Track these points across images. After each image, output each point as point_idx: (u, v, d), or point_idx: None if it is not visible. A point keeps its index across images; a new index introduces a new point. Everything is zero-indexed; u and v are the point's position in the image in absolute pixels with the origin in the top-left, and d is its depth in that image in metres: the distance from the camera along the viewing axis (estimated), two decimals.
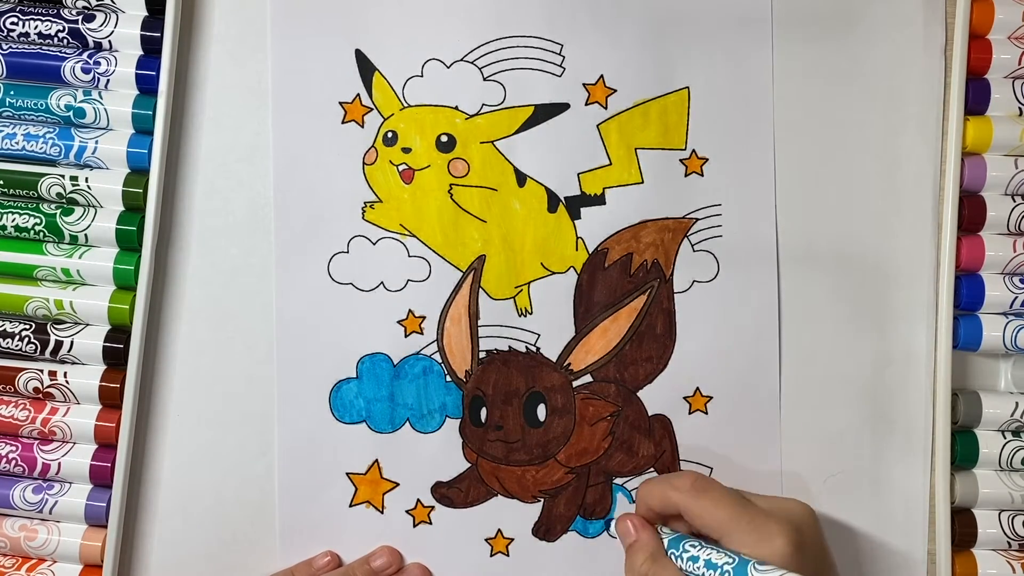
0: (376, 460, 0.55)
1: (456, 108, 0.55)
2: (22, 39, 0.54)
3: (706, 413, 0.56)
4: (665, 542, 0.49)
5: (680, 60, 0.56)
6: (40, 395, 0.54)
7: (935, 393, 0.55)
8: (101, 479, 0.54)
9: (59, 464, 0.54)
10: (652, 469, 0.56)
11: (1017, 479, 0.55)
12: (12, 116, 0.54)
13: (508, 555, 0.56)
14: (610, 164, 0.56)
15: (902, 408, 0.56)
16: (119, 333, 0.54)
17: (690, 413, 0.56)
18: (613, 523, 0.52)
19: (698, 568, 0.46)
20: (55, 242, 0.55)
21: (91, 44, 0.54)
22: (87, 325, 0.55)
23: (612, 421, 0.56)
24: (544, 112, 0.56)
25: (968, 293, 0.55)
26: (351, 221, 0.55)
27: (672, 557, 0.48)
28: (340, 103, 0.55)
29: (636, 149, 0.56)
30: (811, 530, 0.48)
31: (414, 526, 0.56)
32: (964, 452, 0.55)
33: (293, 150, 0.55)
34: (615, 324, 0.56)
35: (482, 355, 0.56)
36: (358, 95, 0.56)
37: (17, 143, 0.54)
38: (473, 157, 0.55)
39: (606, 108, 0.56)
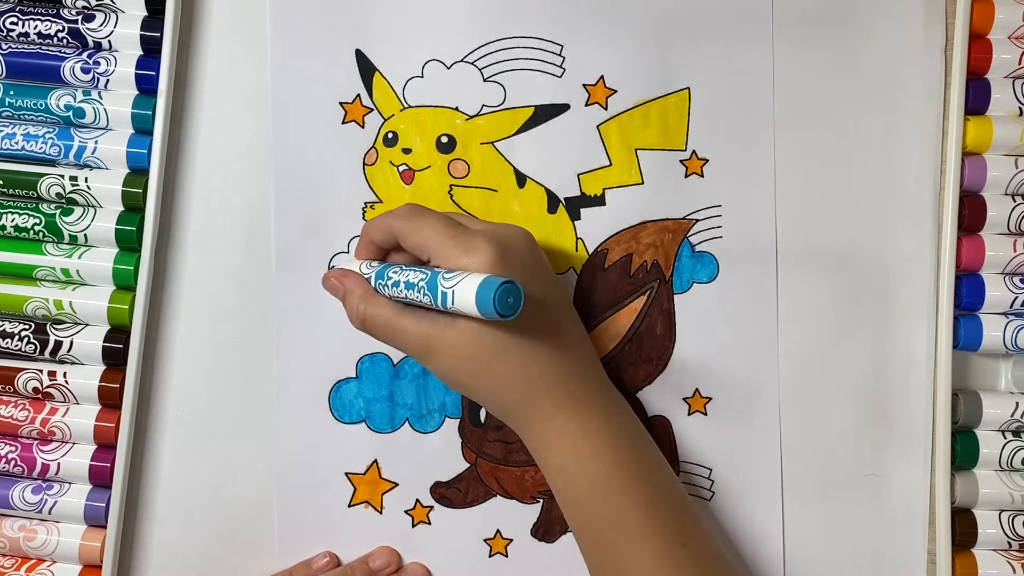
0: (375, 460, 0.55)
1: (456, 109, 0.55)
2: (22, 39, 0.54)
3: (705, 414, 0.56)
4: (372, 279, 0.50)
5: (680, 61, 0.56)
6: (40, 395, 0.54)
7: (935, 393, 0.55)
8: (100, 479, 0.54)
9: (58, 464, 0.54)
10: None
11: (1017, 479, 0.55)
12: (12, 116, 0.54)
13: (507, 556, 0.56)
14: (610, 165, 0.56)
15: (902, 408, 0.56)
16: (119, 333, 0.54)
17: (689, 414, 0.56)
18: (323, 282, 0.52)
19: (400, 292, 0.47)
20: (55, 242, 0.55)
21: (91, 44, 0.54)
22: (87, 325, 0.55)
23: None
24: (544, 113, 0.56)
25: (968, 293, 0.55)
26: (351, 221, 0.55)
27: (381, 289, 0.49)
28: (340, 103, 0.55)
29: (636, 150, 0.56)
30: (520, 246, 0.49)
31: (413, 526, 0.56)
32: (964, 452, 0.55)
33: (293, 150, 0.55)
34: (615, 325, 0.56)
35: None
36: (358, 95, 0.55)
37: (17, 143, 0.54)
38: (473, 158, 0.55)
39: (606, 109, 0.56)
